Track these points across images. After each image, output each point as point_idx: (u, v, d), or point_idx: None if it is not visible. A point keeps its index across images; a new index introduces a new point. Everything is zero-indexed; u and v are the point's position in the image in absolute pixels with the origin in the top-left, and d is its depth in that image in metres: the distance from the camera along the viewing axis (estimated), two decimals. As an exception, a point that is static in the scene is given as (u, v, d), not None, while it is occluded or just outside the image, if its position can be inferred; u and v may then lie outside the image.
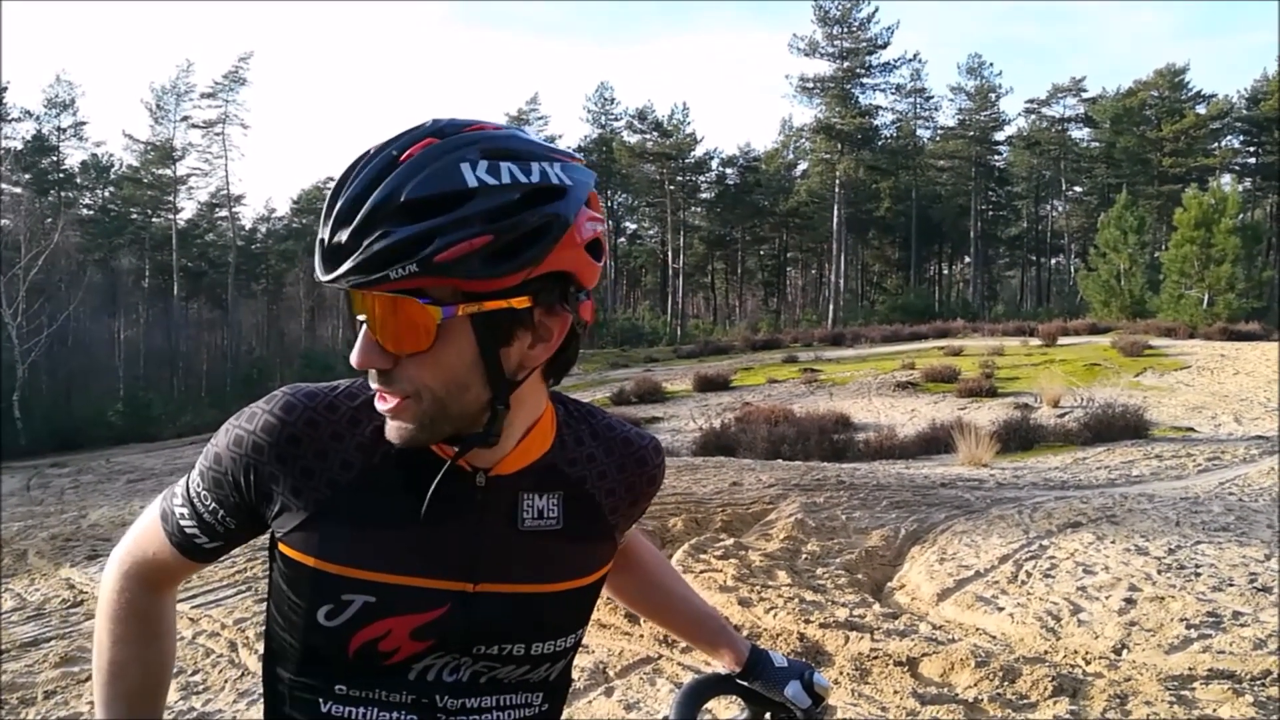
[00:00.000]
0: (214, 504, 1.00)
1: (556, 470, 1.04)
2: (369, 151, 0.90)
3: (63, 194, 50.47)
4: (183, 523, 1.02)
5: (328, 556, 0.96)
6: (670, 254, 59.35)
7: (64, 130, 50.94)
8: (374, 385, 0.92)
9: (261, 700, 1.09)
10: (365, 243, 0.85)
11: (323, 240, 0.88)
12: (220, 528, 1.01)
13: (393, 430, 0.93)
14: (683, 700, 1.26)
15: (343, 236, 0.86)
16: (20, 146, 48.13)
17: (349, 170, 0.90)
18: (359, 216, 0.86)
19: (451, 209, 0.85)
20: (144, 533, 1.07)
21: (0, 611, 5.93)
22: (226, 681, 4.42)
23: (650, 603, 1.37)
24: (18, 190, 42.81)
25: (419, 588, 0.97)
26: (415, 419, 0.91)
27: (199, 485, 1.01)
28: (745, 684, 1.29)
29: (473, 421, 0.93)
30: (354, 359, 0.90)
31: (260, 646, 2.70)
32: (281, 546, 0.99)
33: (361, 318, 0.89)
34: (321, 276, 0.88)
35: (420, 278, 0.85)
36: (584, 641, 4.63)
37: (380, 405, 0.92)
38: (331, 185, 0.90)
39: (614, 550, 1.13)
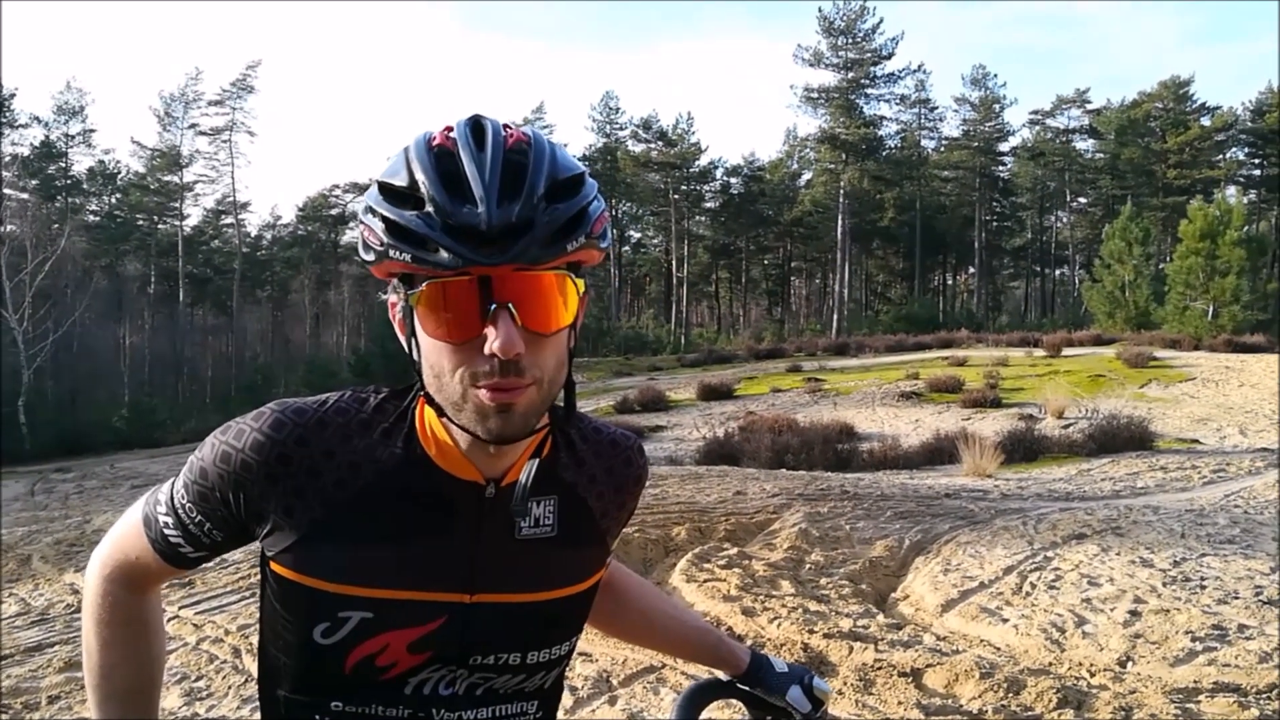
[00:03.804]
0: (200, 517, 0.99)
1: (552, 476, 1.03)
2: (464, 131, 0.90)
3: (69, 200, 50.64)
4: (167, 531, 1.01)
5: (323, 575, 0.94)
6: (674, 263, 59.41)
7: (72, 137, 51.25)
8: (486, 381, 0.87)
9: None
10: (543, 218, 0.86)
11: (482, 219, 0.84)
12: (206, 539, 1.00)
13: (505, 422, 0.88)
14: (683, 704, 1.26)
15: (512, 213, 0.85)
16: (28, 153, 48.38)
17: (455, 150, 0.88)
18: (529, 192, 0.86)
19: (584, 186, 0.91)
20: (125, 537, 1.06)
21: (4, 617, 5.94)
22: (230, 688, 4.42)
23: (643, 632, 1.36)
24: (24, 196, 42.97)
25: (417, 601, 0.96)
26: (532, 407, 0.90)
27: (184, 497, 0.99)
28: (746, 688, 1.29)
29: (550, 406, 0.95)
30: (502, 347, 0.84)
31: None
32: (273, 565, 0.97)
33: (493, 305, 0.86)
34: (486, 259, 0.84)
35: (582, 250, 0.89)
36: (588, 650, 4.63)
37: (496, 397, 0.87)
38: (406, 173, 0.88)
39: (605, 556, 1.12)
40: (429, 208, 0.86)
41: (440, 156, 0.88)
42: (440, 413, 0.93)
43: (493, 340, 0.84)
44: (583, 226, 0.89)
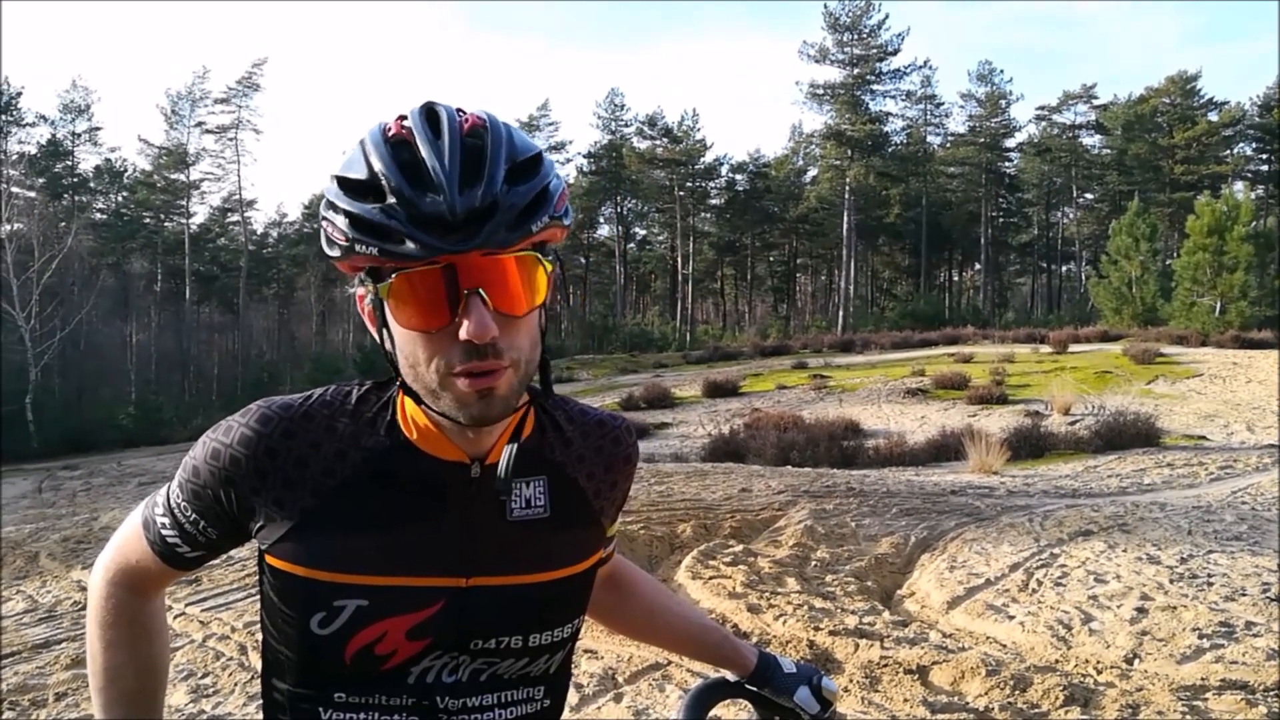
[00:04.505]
0: (195, 515, 1.00)
1: (539, 456, 1.04)
2: (418, 119, 0.90)
3: (76, 198, 50.78)
4: (164, 532, 1.02)
5: (316, 564, 0.95)
6: (680, 260, 59.34)
7: (79, 135, 51.33)
8: (463, 365, 0.88)
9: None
10: (506, 201, 0.87)
11: (446, 207, 0.84)
12: (202, 538, 1.02)
13: (486, 406, 0.90)
14: (690, 704, 1.25)
15: (475, 198, 0.85)
16: (35, 151, 48.51)
17: (412, 139, 0.88)
18: (490, 176, 0.87)
19: (542, 165, 0.92)
20: (126, 540, 1.07)
21: (12, 614, 5.97)
22: (236, 685, 4.44)
23: (650, 628, 1.36)
24: (31, 195, 43.07)
25: (412, 587, 0.96)
26: (511, 389, 0.91)
27: (179, 497, 1.01)
28: (753, 689, 1.28)
29: (528, 384, 0.96)
30: (475, 333, 0.85)
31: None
32: (269, 558, 0.98)
33: (464, 292, 0.86)
34: (453, 246, 0.85)
35: (547, 230, 0.90)
36: (593, 647, 4.63)
37: (474, 385, 0.88)
38: (385, 158, 0.87)
39: (603, 538, 1.12)
40: (392, 199, 0.86)
41: (397, 146, 0.89)
42: (418, 401, 0.94)
43: (465, 326, 0.86)
44: (545, 206, 0.90)
